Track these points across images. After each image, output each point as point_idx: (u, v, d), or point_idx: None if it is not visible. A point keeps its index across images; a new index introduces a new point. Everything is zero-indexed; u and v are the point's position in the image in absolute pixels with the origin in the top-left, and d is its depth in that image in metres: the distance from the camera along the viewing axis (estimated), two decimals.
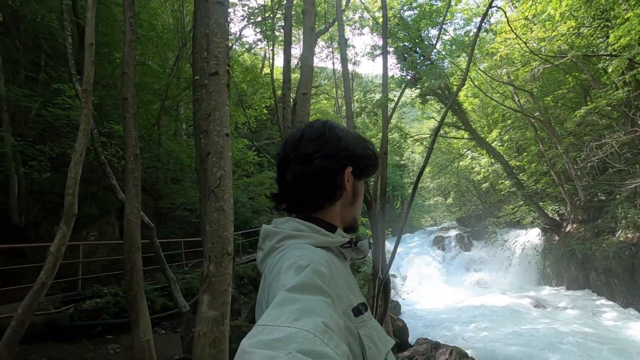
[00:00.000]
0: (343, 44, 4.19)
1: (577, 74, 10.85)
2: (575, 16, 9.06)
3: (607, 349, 6.51)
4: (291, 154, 0.80)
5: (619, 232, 9.58)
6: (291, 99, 4.85)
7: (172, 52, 10.84)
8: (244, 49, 14.62)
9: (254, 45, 15.01)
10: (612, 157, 9.71)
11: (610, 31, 8.48)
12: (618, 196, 10.25)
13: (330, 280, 0.62)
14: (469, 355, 6.23)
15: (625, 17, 7.99)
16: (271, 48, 12.32)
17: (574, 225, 11.51)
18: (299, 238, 0.72)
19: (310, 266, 0.61)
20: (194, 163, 10.38)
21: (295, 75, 15.30)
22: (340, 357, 0.46)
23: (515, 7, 11.01)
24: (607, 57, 8.69)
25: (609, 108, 9.53)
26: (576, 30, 9.29)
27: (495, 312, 9.99)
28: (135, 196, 3.16)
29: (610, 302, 9.33)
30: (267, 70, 19.02)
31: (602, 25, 9.25)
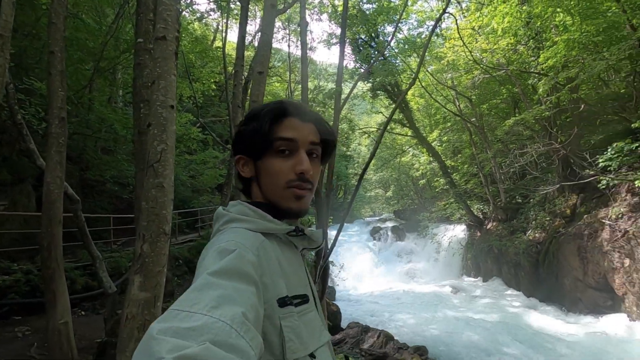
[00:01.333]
0: (304, 27, 4.08)
1: (510, 86, 11.89)
2: (514, 34, 9.88)
3: (510, 331, 7.40)
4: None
5: (529, 231, 10.84)
6: (243, 77, 4.67)
7: (112, 8, 9.77)
8: (195, 17, 13.68)
9: (205, 15, 14.11)
10: (530, 165, 10.89)
11: (541, 52, 9.40)
12: (531, 200, 11.56)
13: (258, 267, 0.61)
14: (395, 338, 6.69)
15: (554, 40, 8.90)
16: (225, 20, 11.69)
17: (494, 224, 12.78)
18: (242, 222, 0.70)
19: (236, 251, 0.59)
20: (132, 134, 9.58)
21: (248, 53, 14.72)
22: (254, 349, 0.46)
23: (465, 16, 11.67)
24: (537, 75, 9.64)
25: (533, 121, 10.63)
26: (514, 47, 10.14)
27: (421, 299, 10.82)
28: (58, 164, 2.82)
29: (517, 292, 10.58)
30: (218, 43, 18.05)
31: (535, 46, 10.23)
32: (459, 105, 13.98)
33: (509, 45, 10.03)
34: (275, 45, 19.45)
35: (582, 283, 8.44)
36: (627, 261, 7.30)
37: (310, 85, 21.32)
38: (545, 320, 8.21)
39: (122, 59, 9.27)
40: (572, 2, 8.37)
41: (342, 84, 5.76)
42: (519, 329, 7.64)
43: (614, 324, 7.32)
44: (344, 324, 7.66)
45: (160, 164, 1.94)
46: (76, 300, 5.79)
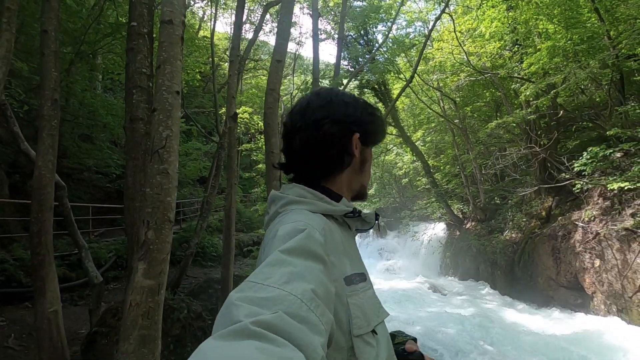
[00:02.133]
0: (315, 18, 4.02)
1: (493, 90, 12.23)
2: (500, 38, 10.17)
3: (485, 326, 7.66)
4: (299, 122, 0.79)
5: (507, 232, 11.23)
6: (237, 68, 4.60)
7: None
8: None
9: (192, 2, 13.78)
10: (510, 167, 11.27)
11: (524, 57, 9.71)
12: (509, 201, 11.97)
13: (325, 246, 0.63)
14: None
15: (537, 47, 9.22)
16: (213, 10, 11.47)
17: (473, 223, 13.15)
18: (301, 204, 0.73)
19: (306, 231, 0.62)
20: (114, 121, 9.25)
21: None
22: (324, 325, 0.48)
23: (453, 19, 11.90)
24: (519, 80, 9.96)
25: (514, 125, 10.98)
26: (500, 51, 10.43)
27: (401, 295, 11.02)
28: (50, 148, 2.71)
29: (493, 290, 10.95)
30: (203, 32, 17.66)
31: (520, 52, 10.57)
32: (443, 107, 14.27)
33: (496, 49, 10.31)
34: (262, 37, 19.23)
35: (554, 282, 8.83)
36: (597, 262, 7.69)
37: (297, 80, 21.21)
38: (519, 316, 8.54)
39: (104, 43, 8.93)
40: (554, 11, 8.69)
41: (331, 81, 5.78)
42: (493, 324, 7.93)
43: (582, 321, 7.71)
44: None
45: (166, 150, 1.90)
46: None
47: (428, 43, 13.19)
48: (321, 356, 0.42)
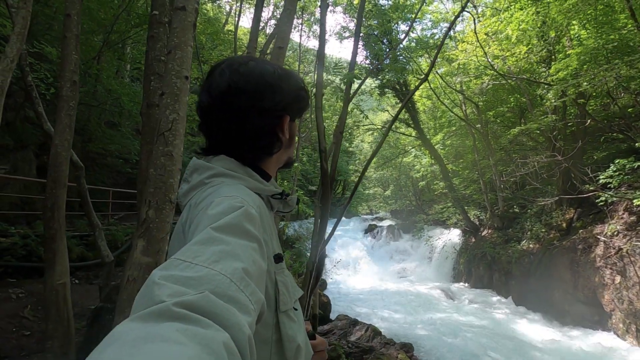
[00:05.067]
0: (324, 11, 4.02)
1: (518, 95, 11.88)
2: (528, 42, 9.84)
3: (496, 337, 7.48)
4: (219, 108, 0.73)
5: (524, 241, 10.89)
6: None
7: None
8: None
9: None
10: (531, 175, 10.92)
11: (552, 63, 9.37)
12: (529, 211, 11.60)
13: (260, 224, 0.62)
14: (382, 333, 6.76)
15: (567, 53, 8.88)
16: (239, 4, 11.61)
17: (489, 231, 12.83)
18: (233, 178, 0.71)
19: (243, 208, 0.60)
20: (137, 109, 9.53)
21: (260, 39, 14.63)
22: (254, 304, 0.47)
23: (480, 21, 11.62)
24: (546, 86, 9.62)
25: (538, 132, 10.63)
26: (526, 55, 10.11)
27: (410, 299, 10.90)
28: (67, 127, 2.82)
29: (506, 300, 10.67)
30: (229, 27, 17.92)
31: (547, 56, 10.20)
32: (465, 110, 13.96)
33: (522, 53, 10.00)
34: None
35: (571, 296, 8.51)
36: (617, 278, 7.37)
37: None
38: (532, 328, 8.30)
39: (133, 33, 9.21)
40: (588, 15, 8.33)
41: (351, 82, 5.74)
42: (504, 335, 7.73)
43: (599, 338, 7.40)
44: (333, 315, 7.75)
45: (171, 132, 1.95)
46: (71, 269, 5.82)
47: (453, 45, 12.94)
48: (248, 335, 0.41)
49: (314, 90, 4.17)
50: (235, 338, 0.39)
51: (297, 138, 0.88)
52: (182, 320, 0.36)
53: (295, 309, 0.72)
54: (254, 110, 0.73)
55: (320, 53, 3.91)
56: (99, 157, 10.11)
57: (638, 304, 6.89)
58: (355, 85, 6.30)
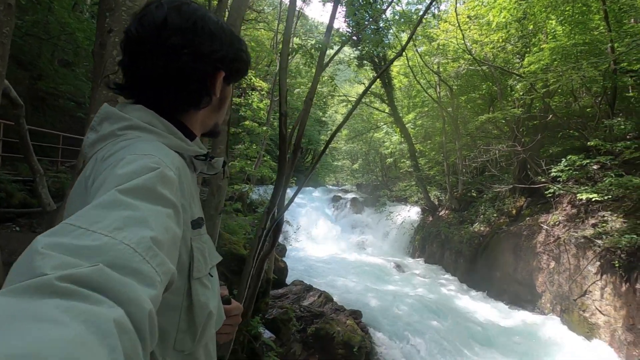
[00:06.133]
0: None
1: (490, 84, 12.14)
2: (507, 31, 9.94)
3: (439, 311, 8.04)
4: (150, 39, 0.65)
5: (476, 224, 11.56)
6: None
7: None
8: None
9: None
10: (491, 162, 11.43)
11: (526, 55, 9.57)
12: (485, 196, 12.24)
13: (178, 187, 0.56)
14: (334, 300, 7.05)
15: (541, 47, 9.08)
16: None
17: (447, 212, 13.46)
18: (151, 133, 0.63)
19: (159, 169, 0.53)
20: (93, 46, 8.78)
21: None
22: (162, 276, 0.42)
23: (464, 2, 11.52)
24: (517, 77, 9.88)
25: (503, 122, 11.02)
26: (503, 44, 10.24)
27: (365, 270, 11.38)
28: (0, 57, 2.51)
29: (453, 277, 11.41)
30: None
31: (522, 48, 10.39)
32: (439, 92, 14.12)
33: (500, 40, 10.11)
34: None
35: (510, 277, 9.25)
36: (552, 263, 8.06)
37: (297, 41, 20.44)
38: (472, 304, 8.98)
39: None
40: (566, 12, 8.49)
41: (330, 49, 5.55)
42: (446, 307, 8.33)
43: (527, 315, 8.18)
44: (289, 280, 7.94)
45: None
46: (11, 215, 5.47)
47: (436, 23, 12.80)
48: (149, 310, 0.37)
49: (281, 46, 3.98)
50: (131, 314, 0.34)
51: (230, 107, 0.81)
52: (66, 297, 0.31)
53: (211, 275, 0.70)
54: (188, 52, 0.66)
55: (292, 3, 3.69)
56: (50, 98, 9.28)
57: (565, 288, 7.62)
58: (331, 52, 6.10)
